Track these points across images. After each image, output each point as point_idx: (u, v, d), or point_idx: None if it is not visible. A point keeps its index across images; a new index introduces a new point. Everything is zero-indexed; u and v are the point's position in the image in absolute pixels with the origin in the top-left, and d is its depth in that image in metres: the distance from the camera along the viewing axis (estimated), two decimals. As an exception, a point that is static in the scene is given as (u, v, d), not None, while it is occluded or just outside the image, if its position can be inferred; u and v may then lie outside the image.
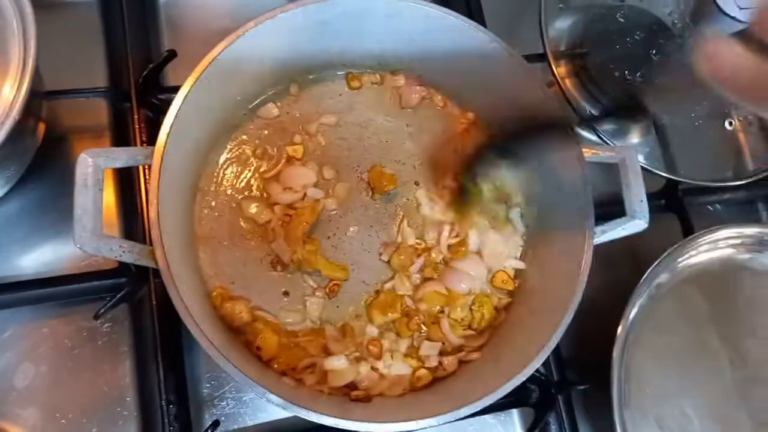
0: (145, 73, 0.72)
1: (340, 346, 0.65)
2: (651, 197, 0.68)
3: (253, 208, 0.69)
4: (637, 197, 0.65)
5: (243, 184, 0.70)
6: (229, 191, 0.70)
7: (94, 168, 0.55)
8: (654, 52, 0.82)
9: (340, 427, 0.55)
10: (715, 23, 0.76)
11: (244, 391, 0.70)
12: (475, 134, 0.77)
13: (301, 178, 0.70)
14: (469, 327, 0.69)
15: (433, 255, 0.71)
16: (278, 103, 0.74)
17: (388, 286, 0.69)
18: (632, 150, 0.68)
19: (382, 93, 0.78)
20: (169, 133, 0.58)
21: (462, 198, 0.71)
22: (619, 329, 0.69)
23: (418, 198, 0.73)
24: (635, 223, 0.65)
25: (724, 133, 0.82)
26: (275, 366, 0.63)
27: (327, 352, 0.65)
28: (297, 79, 0.75)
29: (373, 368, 0.64)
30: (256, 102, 0.73)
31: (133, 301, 0.70)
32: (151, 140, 0.58)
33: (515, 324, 0.69)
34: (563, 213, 0.67)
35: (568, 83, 0.84)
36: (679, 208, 0.86)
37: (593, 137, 0.80)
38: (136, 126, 0.72)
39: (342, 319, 0.68)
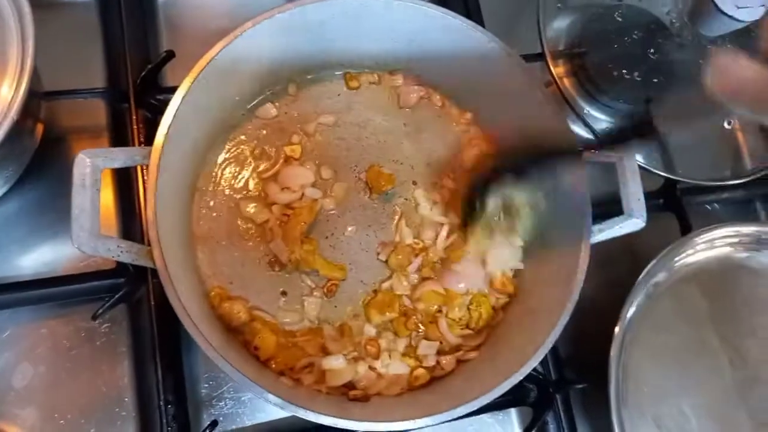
0: (143, 73, 0.72)
1: (338, 346, 0.65)
2: (649, 196, 0.68)
3: (251, 208, 0.69)
4: (634, 196, 0.65)
5: (241, 184, 0.70)
6: (227, 191, 0.70)
7: (91, 168, 0.55)
8: (652, 51, 0.82)
9: (338, 426, 0.55)
10: (713, 22, 0.76)
11: (242, 392, 0.70)
12: (481, 149, 0.77)
13: (299, 178, 0.71)
14: (467, 326, 0.69)
15: (431, 255, 0.71)
16: (276, 103, 0.74)
17: (385, 285, 0.69)
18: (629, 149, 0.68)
19: (380, 93, 0.78)
20: (167, 133, 0.58)
21: (468, 215, 0.70)
22: (617, 328, 0.69)
23: (416, 198, 0.73)
24: (632, 221, 0.65)
25: (723, 132, 0.82)
26: (273, 366, 0.63)
27: (325, 352, 0.65)
28: (295, 79, 0.75)
29: (371, 368, 0.65)
30: (255, 102, 0.73)
31: (131, 302, 0.70)
32: (150, 141, 0.58)
33: (513, 323, 0.69)
34: (561, 212, 0.67)
35: (566, 83, 0.84)
36: (678, 208, 0.86)
37: (591, 136, 0.80)
38: (135, 126, 0.73)
39: (340, 318, 0.68)
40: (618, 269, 0.77)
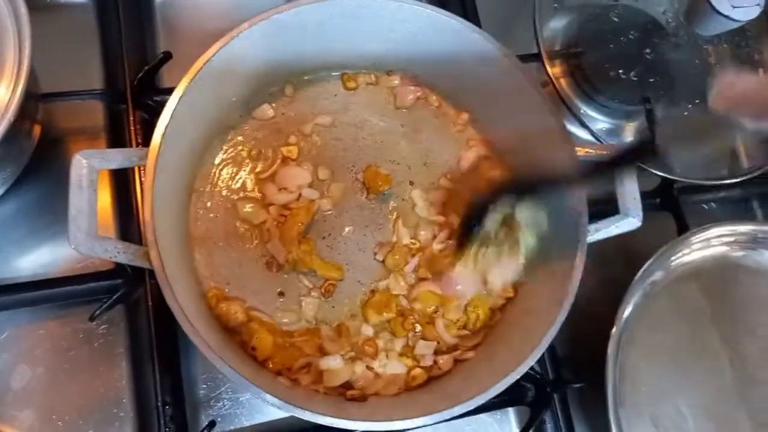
0: (140, 74, 0.73)
1: (335, 346, 0.65)
2: (646, 195, 0.68)
3: (248, 209, 0.69)
4: (630, 195, 0.66)
5: (238, 184, 0.70)
6: (224, 192, 0.70)
7: (88, 169, 0.55)
8: (648, 51, 0.82)
9: (336, 426, 0.55)
10: (708, 22, 0.76)
11: (240, 392, 0.70)
12: (478, 150, 0.77)
13: (296, 179, 0.71)
14: (464, 327, 0.69)
15: (428, 255, 0.71)
16: (273, 104, 0.74)
17: (382, 285, 0.69)
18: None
19: (377, 93, 0.78)
20: (163, 134, 0.58)
21: (467, 236, 0.68)
22: (614, 328, 0.69)
23: (414, 198, 0.74)
24: (629, 221, 0.65)
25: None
26: (270, 366, 0.63)
27: (322, 352, 0.65)
28: (292, 80, 0.75)
29: (369, 368, 0.65)
30: (252, 103, 0.73)
31: (129, 303, 0.70)
32: (147, 142, 0.58)
33: (510, 323, 0.69)
34: (556, 211, 0.67)
35: (563, 83, 0.85)
36: (674, 207, 0.86)
37: (588, 136, 0.80)
38: (132, 128, 0.73)
39: (337, 318, 0.68)
40: (614, 268, 0.78)
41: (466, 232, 0.67)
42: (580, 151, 0.66)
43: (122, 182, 0.74)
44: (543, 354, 0.60)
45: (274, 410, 0.63)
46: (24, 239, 0.71)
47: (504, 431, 0.76)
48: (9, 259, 0.70)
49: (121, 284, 0.69)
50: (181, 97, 0.60)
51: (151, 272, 0.55)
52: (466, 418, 0.74)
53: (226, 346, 0.60)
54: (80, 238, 0.54)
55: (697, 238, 0.76)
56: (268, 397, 0.54)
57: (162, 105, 0.60)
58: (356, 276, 0.70)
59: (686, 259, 0.78)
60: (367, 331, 0.67)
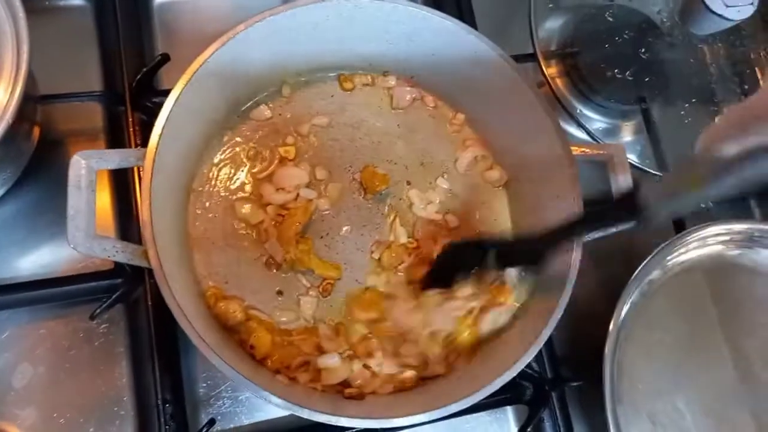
0: (138, 76, 0.73)
1: (333, 345, 0.65)
2: (642, 194, 0.68)
3: (246, 209, 0.69)
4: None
5: (236, 185, 0.71)
6: (222, 192, 0.70)
7: (87, 169, 0.56)
8: (643, 50, 0.83)
9: (334, 424, 0.55)
10: (703, 21, 0.76)
11: (239, 391, 0.71)
12: (474, 150, 0.77)
13: (294, 179, 0.71)
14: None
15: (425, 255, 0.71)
16: (270, 105, 0.74)
17: (370, 281, 0.70)
18: (621, 147, 0.68)
19: (373, 94, 0.78)
20: (161, 135, 0.59)
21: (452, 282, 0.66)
22: (611, 326, 0.69)
23: (410, 197, 0.74)
24: (625, 219, 0.65)
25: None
26: (269, 364, 0.63)
27: (320, 351, 0.65)
28: (289, 81, 0.75)
29: (366, 366, 0.65)
30: (249, 104, 0.74)
31: (128, 302, 0.71)
32: (146, 143, 0.59)
33: (507, 322, 0.69)
34: (553, 211, 0.68)
35: (559, 83, 0.85)
36: (672, 205, 0.86)
37: (584, 135, 0.81)
38: (131, 129, 0.73)
39: (335, 317, 0.69)
40: (611, 267, 0.78)
41: (440, 275, 0.67)
42: (576, 151, 0.67)
43: (122, 183, 0.74)
44: (541, 352, 0.60)
45: (273, 408, 0.64)
46: (24, 239, 0.72)
47: (503, 430, 0.76)
48: (9, 259, 0.71)
49: (120, 284, 0.69)
50: (177, 98, 0.60)
51: (151, 272, 0.56)
52: (464, 417, 0.74)
53: (224, 345, 0.60)
54: (79, 237, 0.54)
55: (693, 237, 0.77)
56: (267, 395, 0.54)
57: (160, 106, 0.60)
58: (354, 275, 0.70)
59: (683, 257, 0.78)
60: (362, 329, 0.67)
